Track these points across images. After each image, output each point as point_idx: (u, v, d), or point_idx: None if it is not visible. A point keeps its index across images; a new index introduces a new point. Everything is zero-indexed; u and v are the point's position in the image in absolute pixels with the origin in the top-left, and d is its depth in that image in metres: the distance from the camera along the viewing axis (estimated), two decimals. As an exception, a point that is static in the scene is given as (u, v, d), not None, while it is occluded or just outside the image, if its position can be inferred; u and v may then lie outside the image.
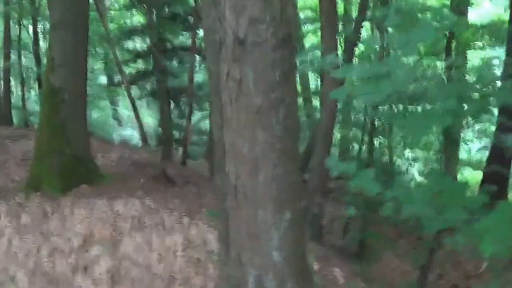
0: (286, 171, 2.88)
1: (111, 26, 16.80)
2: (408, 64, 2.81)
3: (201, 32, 14.07)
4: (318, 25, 10.93)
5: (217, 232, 6.61)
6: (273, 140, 2.81)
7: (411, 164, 11.97)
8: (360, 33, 9.00)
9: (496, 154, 10.32)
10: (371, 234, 8.86)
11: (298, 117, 2.97)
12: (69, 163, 8.59)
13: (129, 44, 15.43)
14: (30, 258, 6.14)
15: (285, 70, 2.78)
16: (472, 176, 13.97)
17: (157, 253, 6.12)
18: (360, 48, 9.86)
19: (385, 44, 8.95)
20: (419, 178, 12.38)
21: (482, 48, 13.06)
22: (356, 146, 10.77)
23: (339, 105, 8.33)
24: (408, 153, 11.80)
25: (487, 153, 11.20)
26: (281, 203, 2.90)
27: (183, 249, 6.18)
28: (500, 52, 12.68)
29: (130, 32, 14.43)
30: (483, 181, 11.27)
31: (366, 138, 9.54)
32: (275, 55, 2.74)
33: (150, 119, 18.74)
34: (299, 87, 14.97)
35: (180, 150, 14.50)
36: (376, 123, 9.49)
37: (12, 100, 17.18)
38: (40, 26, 17.42)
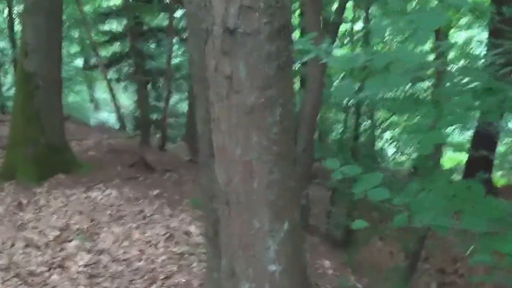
0: (283, 176, 2.56)
1: (87, 8, 16.27)
2: (420, 53, 2.48)
3: (178, 13, 13.68)
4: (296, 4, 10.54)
5: (200, 223, 6.31)
6: (269, 142, 2.48)
7: (393, 146, 11.76)
8: (343, 14, 8.67)
9: (481, 137, 10.10)
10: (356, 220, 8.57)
11: (294, 116, 2.63)
12: (45, 152, 8.21)
13: (105, 27, 14.91)
14: (3, 253, 5.75)
15: (281, 64, 2.44)
16: (454, 158, 13.79)
17: (137, 247, 5.78)
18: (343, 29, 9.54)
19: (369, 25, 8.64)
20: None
21: (465, 28, 12.80)
22: (338, 129, 10.51)
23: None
24: (390, 134, 11.55)
25: (468, 134, 10.98)
26: (278, 211, 2.58)
27: (165, 242, 5.84)
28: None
29: (106, 15, 13.91)
30: (468, 164, 11.10)
31: (350, 120, 9.26)
32: (270, 47, 2.40)
33: (127, 102, 18.28)
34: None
35: (158, 133, 14.09)
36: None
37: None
38: (15, 10, 16.79)
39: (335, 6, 9.08)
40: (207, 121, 3.55)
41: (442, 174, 2.77)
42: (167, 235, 5.96)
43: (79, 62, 20.41)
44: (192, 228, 6.17)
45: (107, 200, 6.99)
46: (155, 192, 7.64)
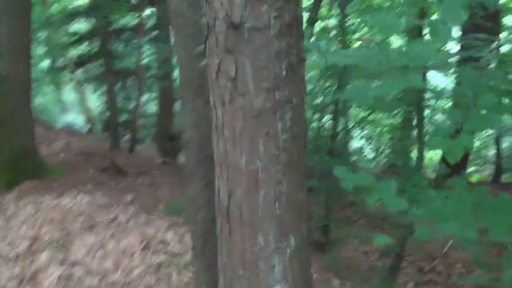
0: (292, 187, 2.28)
1: (55, 8, 15.76)
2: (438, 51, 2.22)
3: (147, 12, 13.32)
4: None
5: (178, 230, 6.00)
6: (277, 150, 2.19)
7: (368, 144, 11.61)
8: (319, 9, 8.45)
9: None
10: (334, 220, 8.42)
11: (306, 121, 2.35)
12: (14, 157, 7.78)
13: (74, 27, 14.44)
14: (-30, 267, 5.36)
15: (292, 62, 2.17)
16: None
17: (112, 257, 5.43)
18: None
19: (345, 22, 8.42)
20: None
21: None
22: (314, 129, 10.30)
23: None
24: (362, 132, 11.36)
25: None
26: (285, 226, 2.30)
27: (141, 252, 5.50)
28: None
29: (74, 14, 13.46)
30: (443, 158, 11.01)
31: (327, 120, 9.01)
32: (280, 44, 2.12)
33: (95, 104, 17.79)
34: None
35: (128, 135, 13.68)
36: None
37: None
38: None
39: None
40: (196, 126, 3.27)
41: (457, 181, 2.51)
42: (143, 244, 5.62)
43: (46, 63, 19.82)
44: (169, 236, 5.85)
45: (79, 207, 6.61)
46: (129, 197, 7.29)
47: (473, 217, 2.28)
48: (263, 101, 2.14)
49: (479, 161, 14.50)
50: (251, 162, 2.21)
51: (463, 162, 10.75)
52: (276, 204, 2.25)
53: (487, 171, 14.43)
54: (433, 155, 12.65)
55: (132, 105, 13.37)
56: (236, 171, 2.25)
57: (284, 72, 2.14)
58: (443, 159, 10.91)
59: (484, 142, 14.04)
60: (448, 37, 2.25)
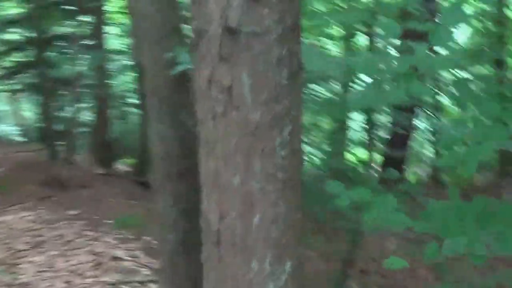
0: (290, 208, 2.04)
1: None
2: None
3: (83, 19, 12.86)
4: None
5: (129, 245, 5.66)
6: (274, 168, 1.95)
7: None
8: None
9: (395, 134, 10.03)
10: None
11: (302, 133, 2.11)
12: None
13: (7, 36, 13.76)
14: None
15: (293, 71, 1.92)
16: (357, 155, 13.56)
17: (63, 277, 5.05)
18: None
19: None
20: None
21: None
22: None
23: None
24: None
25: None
26: (282, 250, 2.06)
27: (93, 271, 5.14)
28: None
29: (8, 23, 12.82)
30: (384, 162, 11.03)
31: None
32: (281, 50, 1.88)
33: (29, 113, 17.07)
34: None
35: (64, 145, 13.10)
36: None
37: None
38: None
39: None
40: (163, 139, 2.99)
41: (450, 191, 2.33)
42: (94, 262, 5.25)
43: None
44: (120, 253, 5.50)
45: (23, 224, 6.16)
46: (73, 212, 6.90)
47: (479, 230, 2.09)
48: (261, 114, 1.89)
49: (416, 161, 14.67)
50: (245, 182, 1.96)
51: (402, 164, 10.83)
52: (273, 226, 2.00)
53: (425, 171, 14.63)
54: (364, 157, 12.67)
55: (67, 114, 12.83)
56: (229, 192, 1.99)
57: (285, 82, 1.90)
58: (385, 160, 10.94)
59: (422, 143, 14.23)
60: (450, 41, 2.06)
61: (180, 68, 2.72)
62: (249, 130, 1.91)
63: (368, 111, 6.89)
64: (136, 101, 17.07)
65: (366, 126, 8.64)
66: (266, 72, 1.88)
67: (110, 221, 6.66)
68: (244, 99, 1.88)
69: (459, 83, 2.46)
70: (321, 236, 8.67)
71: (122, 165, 15.99)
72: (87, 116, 16.95)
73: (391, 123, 9.71)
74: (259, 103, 1.89)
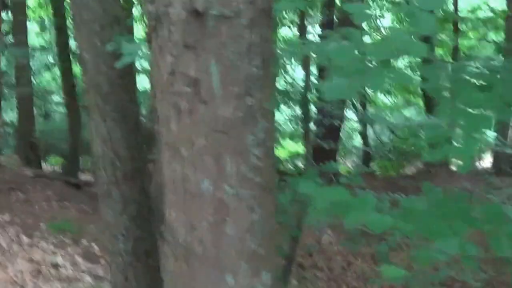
0: (266, 215, 1.78)
1: None
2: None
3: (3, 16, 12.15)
4: None
5: (67, 251, 5.28)
6: (248, 170, 1.68)
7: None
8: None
9: (326, 126, 9.92)
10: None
11: (275, 131, 1.85)
12: None
13: None
14: None
15: (265, 58, 1.65)
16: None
17: (0, 288, 4.61)
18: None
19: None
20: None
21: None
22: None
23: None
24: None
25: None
26: (258, 262, 1.79)
27: (32, 279, 4.73)
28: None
29: None
30: (314, 154, 10.89)
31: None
32: (253, 36, 1.61)
33: None
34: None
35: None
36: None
37: None
38: None
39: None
40: (106, 140, 2.67)
41: (427, 187, 2.12)
42: (33, 270, 4.83)
43: None
44: (59, 260, 5.10)
45: (-50, 233, 5.65)
46: (5, 217, 6.38)
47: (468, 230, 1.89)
48: (233, 109, 1.63)
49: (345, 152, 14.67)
50: (217, 187, 1.68)
51: (332, 155, 10.73)
52: (248, 236, 1.74)
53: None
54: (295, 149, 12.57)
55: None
56: (198, 199, 1.71)
57: (257, 72, 1.63)
58: (316, 153, 10.82)
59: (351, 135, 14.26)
60: (431, 25, 1.84)
61: (125, 60, 2.40)
62: (219, 127, 1.63)
63: (305, 103, 6.69)
64: (61, 99, 16.43)
65: (301, 118, 8.46)
66: (236, 61, 1.60)
67: (44, 226, 6.20)
68: (212, 93, 1.60)
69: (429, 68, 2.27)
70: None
71: (49, 165, 15.32)
72: (10, 115, 16.14)
73: (321, 115, 9.61)
74: (229, 97, 1.62)
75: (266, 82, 1.68)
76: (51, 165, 15.66)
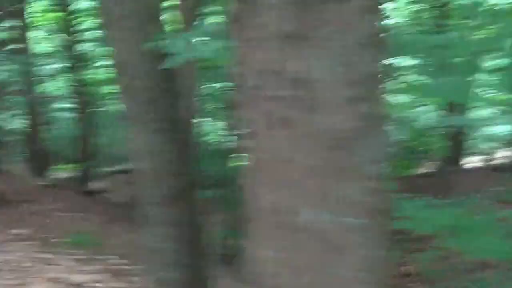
0: (379, 247, 1.40)
1: None
2: None
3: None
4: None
5: (91, 268, 4.90)
6: (362, 195, 1.30)
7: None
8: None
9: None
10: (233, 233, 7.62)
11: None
12: None
13: None
14: None
15: (381, 52, 1.27)
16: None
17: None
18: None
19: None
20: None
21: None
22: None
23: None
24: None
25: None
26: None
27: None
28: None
29: None
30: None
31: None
32: (366, 23, 1.23)
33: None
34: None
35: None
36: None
37: None
38: None
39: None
40: (149, 153, 2.28)
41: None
42: (59, 291, 4.46)
43: None
44: (81, 277, 4.70)
45: (-34, 249, 5.27)
46: (20, 231, 6.01)
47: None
48: (343, 118, 1.24)
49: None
50: (320, 217, 1.30)
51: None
52: (359, 277, 1.35)
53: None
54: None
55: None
56: (295, 232, 1.33)
57: (372, 69, 1.25)
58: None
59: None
60: None
61: (177, 60, 2.01)
62: (326, 142, 1.25)
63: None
64: (67, 105, 16.05)
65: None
66: (348, 56, 1.22)
67: (62, 240, 5.81)
68: (319, 97, 1.22)
69: None
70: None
71: (59, 172, 14.93)
72: (18, 123, 15.78)
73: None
74: (339, 102, 1.24)
75: (379, 82, 1.30)
76: (61, 172, 15.32)
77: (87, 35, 12.39)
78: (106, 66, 12.55)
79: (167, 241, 2.34)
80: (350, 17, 1.22)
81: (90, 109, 10.97)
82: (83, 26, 12.34)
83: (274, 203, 1.33)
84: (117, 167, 14.76)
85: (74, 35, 11.23)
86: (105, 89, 13.89)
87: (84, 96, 11.38)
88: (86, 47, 12.24)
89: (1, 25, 11.47)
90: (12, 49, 11.95)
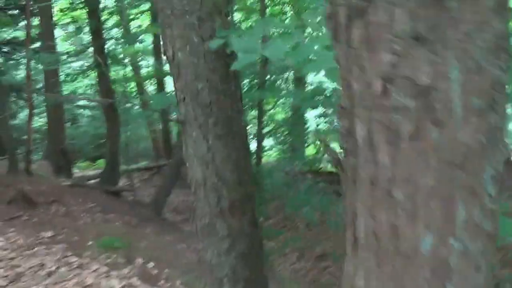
0: (489, 271, 1.23)
1: None
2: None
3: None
4: None
5: (121, 273, 4.77)
6: (482, 217, 1.14)
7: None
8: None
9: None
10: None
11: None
12: None
13: None
14: None
15: (509, 58, 1.12)
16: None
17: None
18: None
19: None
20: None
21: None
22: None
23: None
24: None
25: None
26: None
27: (87, 309, 4.22)
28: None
29: None
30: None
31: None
32: (499, 23, 1.08)
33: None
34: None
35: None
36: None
37: None
38: None
39: None
40: (210, 161, 2.14)
41: None
42: (86, 297, 4.33)
43: None
44: (115, 283, 4.58)
45: (-7, 252, 5.16)
46: (49, 233, 5.91)
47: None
48: (473, 132, 1.08)
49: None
50: (441, 243, 1.14)
51: None
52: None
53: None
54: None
55: (18, 121, 11.73)
56: (412, 260, 1.17)
57: (502, 75, 1.10)
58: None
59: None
60: None
61: (243, 61, 1.85)
62: (456, 158, 1.09)
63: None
64: (93, 103, 16.03)
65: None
66: (481, 60, 1.06)
67: (92, 243, 5.69)
68: (452, 108, 1.06)
69: None
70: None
71: (82, 171, 14.89)
72: (39, 122, 15.79)
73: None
74: (470, 114, 1.08)
75: (504, 88, 1.15)
76: (83, 171, 15.30)
77: (112, 33, 12.35)
78: (130, 64, 12.51)
79: (226, 254, 2.20)
80: (485, 15, 1.06)
81: (115, 107, 10.86)
82: (108, 24, 12.29)
83: (392, 227, 1.17)
84: (141, 165, 14.74)
85: (99, 33, 11.11)
86: (130, 87, 13.86)
87: (109, 94, 11.27)
88: (110, 45, 12.17)
89: (25, 23, 11.41)
90: (35, 47, 11.91)
